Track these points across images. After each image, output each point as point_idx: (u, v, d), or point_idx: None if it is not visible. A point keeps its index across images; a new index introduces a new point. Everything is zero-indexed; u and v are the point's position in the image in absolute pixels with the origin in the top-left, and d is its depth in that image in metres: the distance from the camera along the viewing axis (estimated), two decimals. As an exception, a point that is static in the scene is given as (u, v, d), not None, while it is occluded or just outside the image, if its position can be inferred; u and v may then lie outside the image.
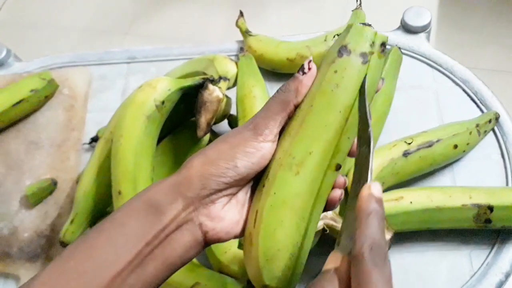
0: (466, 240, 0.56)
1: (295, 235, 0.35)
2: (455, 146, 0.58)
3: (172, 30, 1.67)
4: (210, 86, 0.56)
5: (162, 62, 0.77)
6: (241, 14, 0.76)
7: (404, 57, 0.66)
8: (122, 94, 0.75)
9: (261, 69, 0.68)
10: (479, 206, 0.52)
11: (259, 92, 0.63)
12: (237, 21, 0.75)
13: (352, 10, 0.65)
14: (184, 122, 0.62)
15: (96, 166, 0.60)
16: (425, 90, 0.68)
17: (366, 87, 0.35)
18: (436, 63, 0.70)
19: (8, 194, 0.67)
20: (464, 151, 0.60)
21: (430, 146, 0.57)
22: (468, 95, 0.67)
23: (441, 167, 0.61)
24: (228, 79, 0.61)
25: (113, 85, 0.77)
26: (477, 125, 0.61)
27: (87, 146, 0.70)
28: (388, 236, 0.51)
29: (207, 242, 0.35)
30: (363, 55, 0.35)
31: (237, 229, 0.36)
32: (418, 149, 0.57)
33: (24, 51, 0.93)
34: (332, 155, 0.35)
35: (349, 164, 0.57)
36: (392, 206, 0.53)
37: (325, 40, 0.68)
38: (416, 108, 0.67)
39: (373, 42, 0.36)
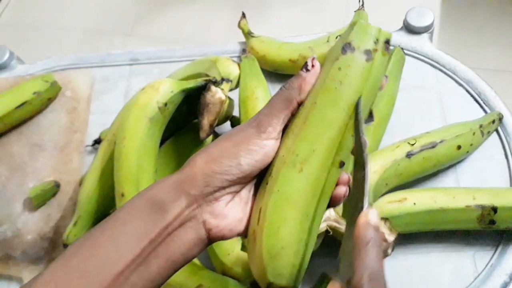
0: (470, 241, 0.56)
1: (299, 232, 0.35)
2: (459, 147, 0.58)
3: (174, 31, 1.67)
4: (213, 88, 0.56)
5: (165, 63, 0.78)
6: (243, 15, 0.76)
7: (407, 57, 0.66)
8: (125, 96, 0.75)
9: (263, 70, 0.68)
10: (483, 207, 0.52)
11: (262, 94, 0.63)
12: (239, 23, 0.75)
13: (355, 11, 0.65)
14: (186, 124, 0.63)
15: (99, 168, 0.60)
16: (428, 91, 0.68)
17: (361, 109, 0.35)
18: (439, 64, 0.70)
19: (11, 196, 0.67)
20: (467, 151, 0.60)
21: (433, 147, 0.57)
22: (471, 95, 0.67)
23: (445, 168, 0.61)
24: (231, 81, 0.61)
25: (115, 87, 0.77)
26: (481, 126, 0.61)
27: (90, 148, 0.70)
28: (392, 237, 0.51)
29: (211, 239, 0.35)
30: (367, 52, 0.35)
31: (241, 226, 0.36)
32: (421, 150, 0.57)
33: (27, 53, 0.93)
34: (336, 152, 0.35)
35: (353, 161, 0.57)
36: (395, 208, 0.53)
37: (327, 41, 0.68)
38: (419, 109, 0.67)
39: (377, 39, 0.35)
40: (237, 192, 0.36)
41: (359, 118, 0.35)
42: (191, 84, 0.57)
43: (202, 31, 1.66)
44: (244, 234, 0.36)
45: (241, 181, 0.36)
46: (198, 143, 0.60)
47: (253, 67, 0.66)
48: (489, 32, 1.50)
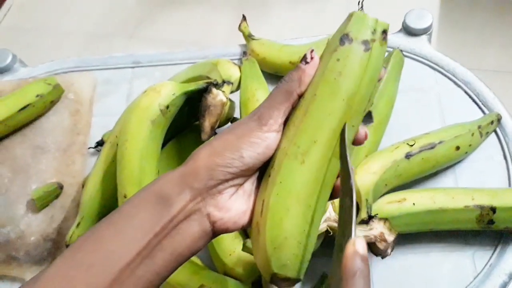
0: (469, 241, 0.56)
1: (302, 223, 0.35)
2: (457, 148, 0.59)
3: (176, 33, 1.68)
4: (214, 90, 0.56)
5: (166, 66, 0.78)
6: (244, 18, 0.76)
7: (405, 59, 0.67)
8: (127, 98, 0.76)
9: (264, 72, 0.68)
10: (481, 208, 0.52)
11: (262, 96, 0.64)
12: (240, 25, 0.76)
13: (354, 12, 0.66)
14: (188, 126, 0.63)
15: (102, 170, 0.61)
16: (427, 92, 0.69)
17: (346, 136, 0.35)
18: (437, 65, 0.70)
19: (15, 198, 0.67)
20: (466, 152, 0.60)
21: (432, 148, 0.57)
22: (470, 96, 0.67)
23: (444, 169, 0.61)
24: (232, 83, 0.62)
25: (117, 90, 0.77)
26: (479, 127, 0.61)
27: (92, 150, 0.71)
28: (391, 237, 0.51)
29: (215, 232, 0.36)
30: (365, 42, 0.35)
31: (244, 219, 0.36)
32: (421, 151, 0.57)
33: (29, 56, 0.94)
34: (337, 143, 0.35)
35: (354, 154, 0.57)
36: (395, 208, 0.53)
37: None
38: (418, 110, 0.67)
39: (374, 30, 0.36)
40: (241, 185, 0.36)
41: (345, 144, 0.35)
42: (192, 86, 0.57)
43: (203, 33, 1.66)
44: (248, 227, 0.37)
45: (244, 174, 0.36)
46: (199, 145, 0.60)
47: (254, 70, 0.67)
48: (487, 33, 1.51)
